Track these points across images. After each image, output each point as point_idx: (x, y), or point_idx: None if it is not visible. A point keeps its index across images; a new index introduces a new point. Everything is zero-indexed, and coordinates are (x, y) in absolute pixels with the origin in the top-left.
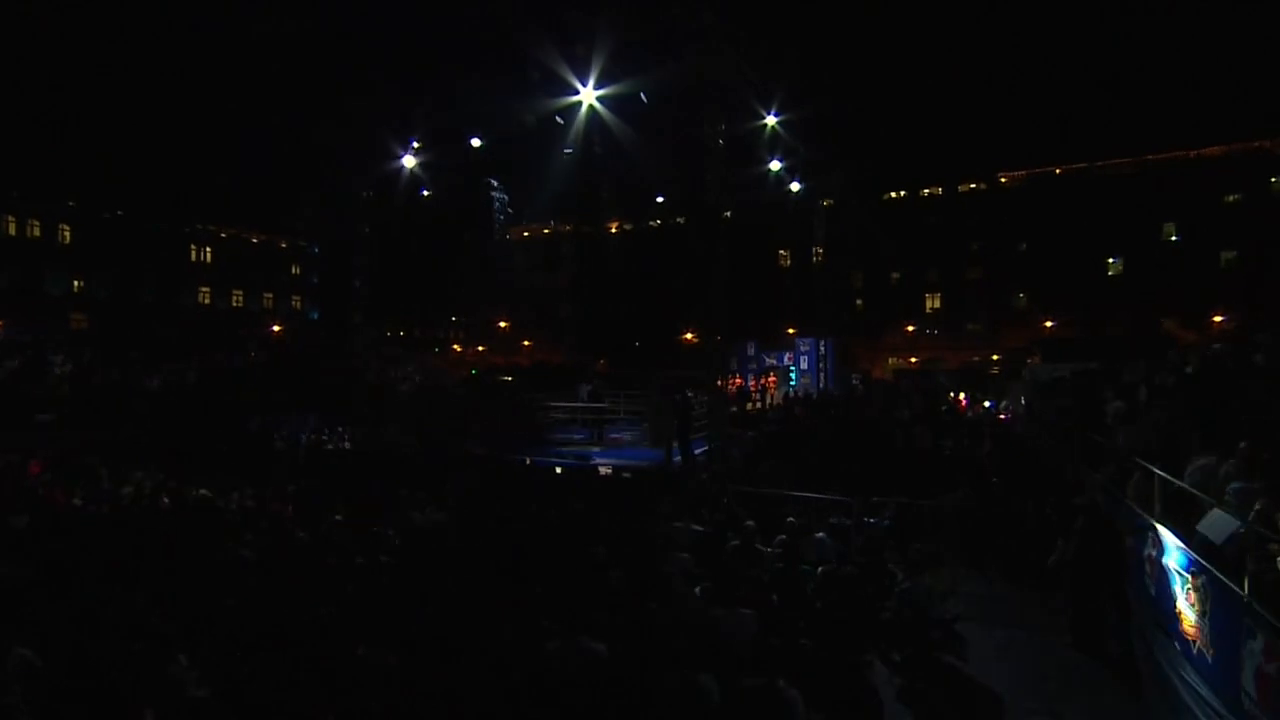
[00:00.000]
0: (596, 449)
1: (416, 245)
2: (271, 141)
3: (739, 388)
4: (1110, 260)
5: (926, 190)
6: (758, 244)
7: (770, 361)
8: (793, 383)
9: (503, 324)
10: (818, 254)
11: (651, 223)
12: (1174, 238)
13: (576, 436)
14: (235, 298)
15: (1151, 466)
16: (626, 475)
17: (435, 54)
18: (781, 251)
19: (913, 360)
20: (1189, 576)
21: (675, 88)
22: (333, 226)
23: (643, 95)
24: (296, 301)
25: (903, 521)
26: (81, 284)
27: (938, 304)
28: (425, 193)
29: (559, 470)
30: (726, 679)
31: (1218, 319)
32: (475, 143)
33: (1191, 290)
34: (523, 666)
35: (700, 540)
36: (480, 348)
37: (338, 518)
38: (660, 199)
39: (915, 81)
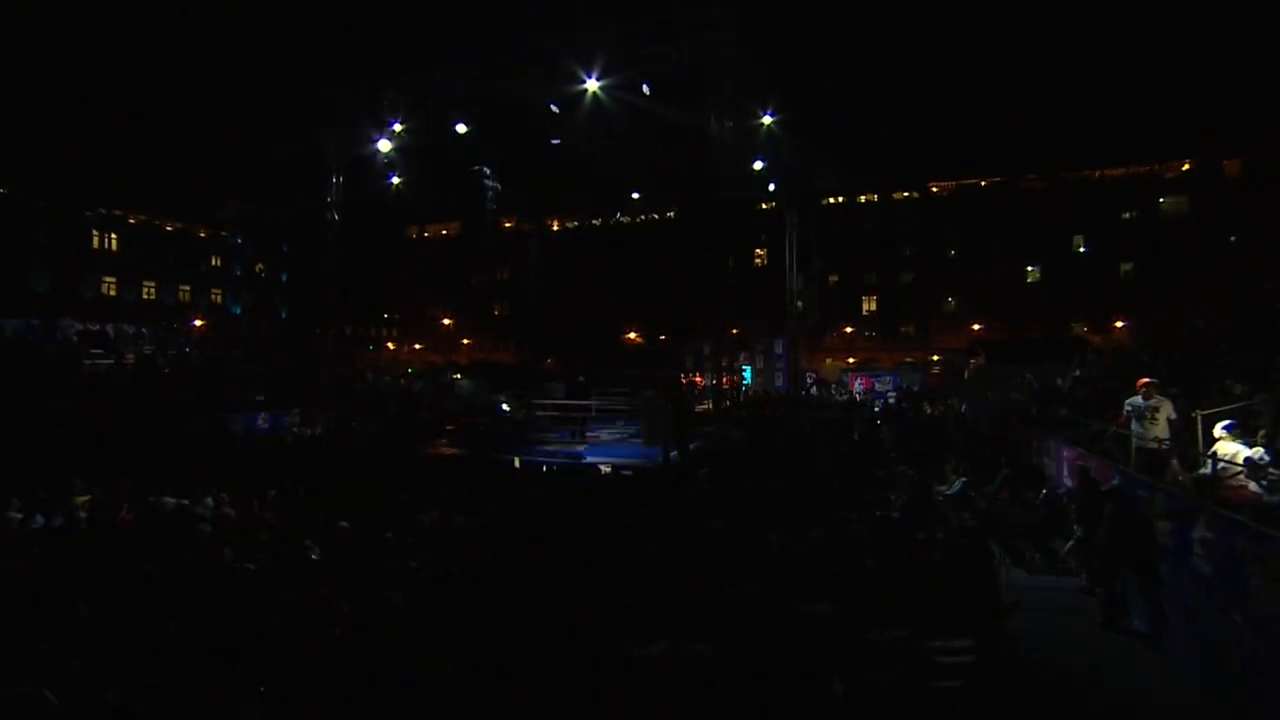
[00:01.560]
0: (582, 447)
1: (372, 236)
2: (200, 119)
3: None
4: (1029, 268)
5: (863, 197)
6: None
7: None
8: (746, 381)
9: (447, 321)
10: (760, 255)
11: (595, 220)
12: (1082, 249)
13: (552, 435)
14: (146, 290)
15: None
16: (627, 473)
17: (426, 34)
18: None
19: (850, 360)
20: (1269, 559)
21: (683, 79)
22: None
23: (645, 87)
24: (217, 295)
25: (910, 513)
26: None
27: (874, 306)
28: (395, 180)
29: (549, 469)
30: (833, 675)
31: (1118, 324)
32: (461, 128)
33: (1096, 298)
34: (628, 674)
35: (745, 537)
36: (417, 345)
37: (343, 524)
38: (636, 195)
39: (856, 93)
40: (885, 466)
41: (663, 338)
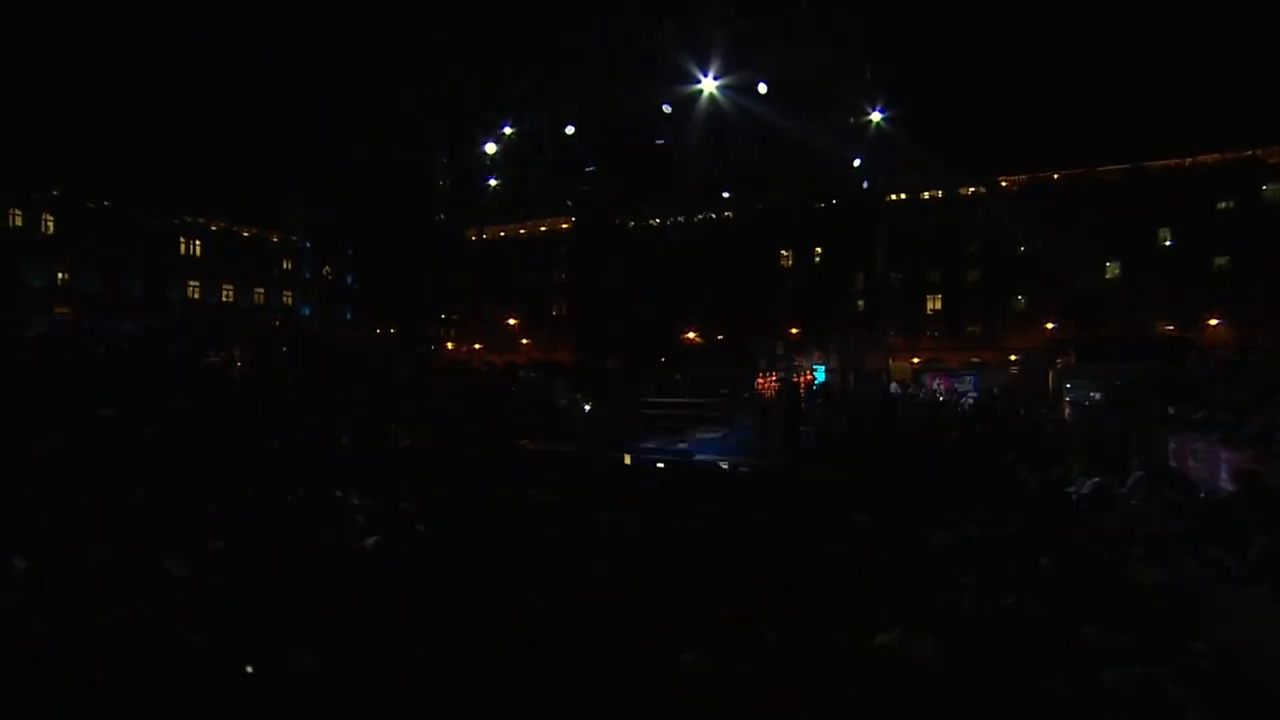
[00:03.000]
0: (683, 444)
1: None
2: (279, 131)
3: (807, 384)
4: (1108, 264)
5: (927, 194)
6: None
7: (800, 360)
8: (819, 380)
9: (512, 321)
10: (818, 254)
11: (654, 220)
12: (1168, 243)
13: (650, 432)
14: (225, 292)
15: None
16: (744, 470)
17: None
18: (784, 251)
19: (914, 360)
20: None
21: (798, 77)
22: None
23: (762, 85)
24: (288, 297)
25: (1047, 514)
26: (65, 276)
27: (938, 305)
28: (492, 182)
29: (660, 466)
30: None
31: (1213, 322)
32: (570, 130)
33: (1184, 294)
34: (861, 665)
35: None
36: (476, 345)
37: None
38: (726, 194)
39: (917, 86)
40: (1005, 467)
41: (720, 338)
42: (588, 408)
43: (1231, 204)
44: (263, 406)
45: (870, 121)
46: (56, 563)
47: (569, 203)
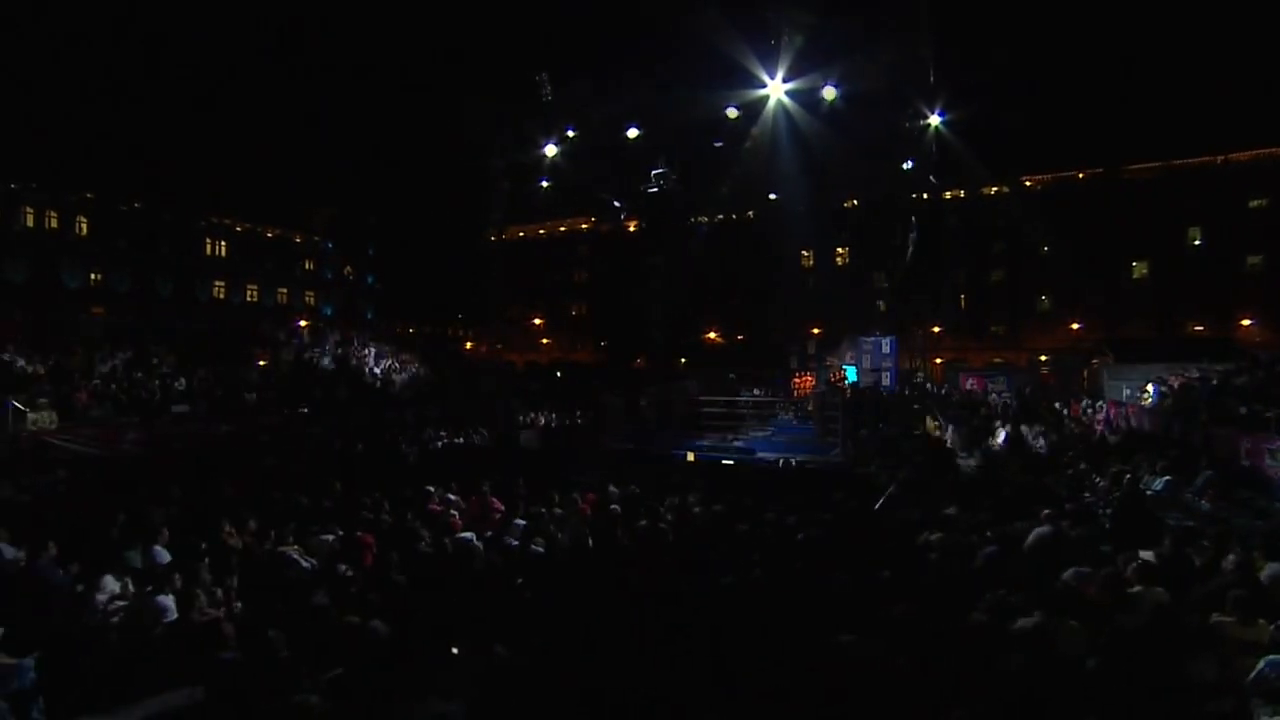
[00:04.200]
0: (740, 441)
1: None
2: (302, 131)
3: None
4: (1135, 263)
5: (949, 193)
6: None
7: (831, 360)
8: (850, 380)
9: (538, 320)
10: (842, 254)
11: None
12: (1198, 242)
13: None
14: (250, 292)
15: None
16: (811, 467)
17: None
18: (805, 252)
19: (937, 360)
20: None
21: (873, 81)
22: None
23: (832, 88)
24: (310, 297)
25: (1127, 513)
26: (99, 277)
27: (961, 305)
28: (545, 183)
29: (728, 463)
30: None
31: (1245, 322)
32: (632, 133)
33: (1215, 294)
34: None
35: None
36: (497, 345)
37: (614, 508)
38: (773, 196)
39: (940, 84)
40: (1071, 464)
41: (740, 338)
42: (642, 404)
43: (1264, 202)
44: (316, 409)
45: (928, 125)
46: (198, 555)
47: (616, 204)
